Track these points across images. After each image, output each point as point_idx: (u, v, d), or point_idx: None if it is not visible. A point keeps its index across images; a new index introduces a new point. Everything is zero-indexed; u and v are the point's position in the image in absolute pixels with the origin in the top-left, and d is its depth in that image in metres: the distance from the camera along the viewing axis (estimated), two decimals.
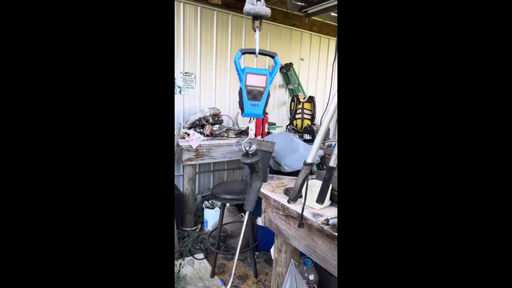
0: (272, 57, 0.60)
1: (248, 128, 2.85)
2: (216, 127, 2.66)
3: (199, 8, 2.75)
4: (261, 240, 2.20)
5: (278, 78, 3.49)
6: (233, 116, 3.13)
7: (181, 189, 2.65)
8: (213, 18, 2.87)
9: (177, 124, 2.69)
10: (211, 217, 2.54)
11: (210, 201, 2.65)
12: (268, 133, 2.94)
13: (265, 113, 0.61)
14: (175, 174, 2.76)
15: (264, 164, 1.94)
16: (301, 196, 1.03)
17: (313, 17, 3.49)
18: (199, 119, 2.67)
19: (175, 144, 2.42)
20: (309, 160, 0.80)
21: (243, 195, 1.89)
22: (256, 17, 0.57)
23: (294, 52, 3.52)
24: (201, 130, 2.64)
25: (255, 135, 2.77)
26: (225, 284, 1.94)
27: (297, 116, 3.20)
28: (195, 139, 2.42)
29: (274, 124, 3.23)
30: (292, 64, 3.38)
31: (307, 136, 2.82)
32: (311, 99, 3.18)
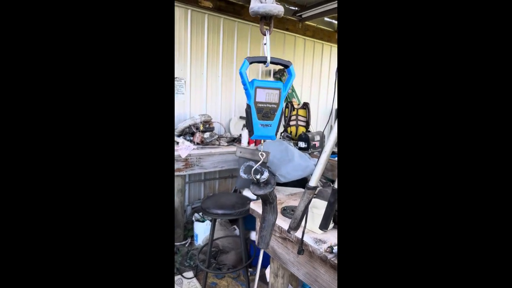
0: (287, 66, 0.49)
1: (240, 135, 2.73)
2: (207, 134, 2.53)
3: (189, 11, 2.64)
4: (255, 257, 2.07)
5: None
6: (225, 123, 3.01)
7: None
8: (204, 21, 2.76)
9: None
10: (202, 230, 2.39)
11: (200, 214, 2.50)
12: (264, 140, 2.83)
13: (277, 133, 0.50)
14: None
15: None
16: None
17: (306, 22, 3.42)
18: (189, 126, 2.54)
19: None
20: (312, 184, 0.69)
21: (236, 209, 1.77)
22: (266, 17, 0.45)
23: (288, 57, 3.43)
24: (191, 138, 2.50)
25: (248, 143, 2.65)
26: None
27: (291, 123, 3.10)
28: (184, 148, 2.29)
29: None
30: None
31: (302, 144, 2.72)
32: (305, 106, 3.09)
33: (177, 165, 2.25)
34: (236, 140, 2.76)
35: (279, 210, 1.19)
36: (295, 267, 1.07)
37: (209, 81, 2.90)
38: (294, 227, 0.74)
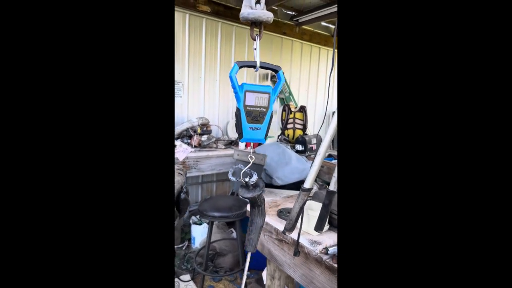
0: (275, 71, 0.50)
1: (238, 138, 2.74)
2: (204, 137, 2.55)
3: (187, 15, 2.67)
4: (252, 260, 2.07)
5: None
6: (223, 126, 3.03)
7: None
8: (202, 25, 2.78)
9: None
10: (199, 233, 2.39)
11: (197, 216, 2.50)
12: (259, 144, 2.84)
13: (267, 137, 0.51)
14: None
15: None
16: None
17: (303, 26, 3.46)
18: (187, 129, 2.55)
19: None
20: (307, 185, 0.70)
21: (233, 211, 1.77)
22: (256, 23, 0.47)
23: (285, 61, 3.47)
24: (189, 141, 2.51)
25: (246, 146, 2.66)
26: None
27: (288, 126, 3.12)
28: (182, 151, 2.29)
29: None
30: (283, 73, 3.33)
31: (299, 147, 2.74)
32: (302, 109, 3.11)
33: (174, 167, 2.26)
34: (233, 143, 2.77)
35: (275, 213, 1.21)
36: (291, 269, 1.08)
37: (207, 85, 2.92)
38: (289, 228, 0.76)
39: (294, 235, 0.95)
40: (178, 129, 2.53)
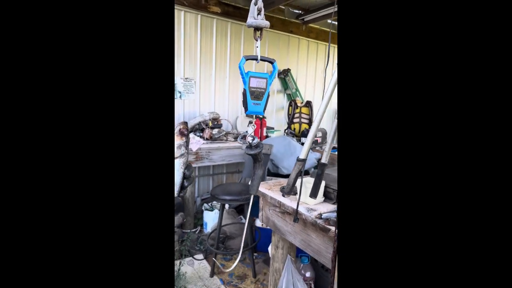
0: (271, 62, 0.67)
1: (246, 132, 2.91)
2: (215, 131, 2.73)
3: (199, 16, 2.85)
4: (259, 242, 2.24)
5: (277, 84, 3.57)
6: (232, 120, 3.20)
7: None
8: (213, 25, 2.96)
9: None
10: (211, 219, 2.58)
11: (209, 204, 2.70)
12: (267, 136, 3.01)
13: (264, 116, 0.68)
14: None
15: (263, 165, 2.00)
16: (295, 193, 1.09)
17: (310, 24, 3.59)
18: (199, 123, 2.74)
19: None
20: (302, 156, 0.86)
21: (242, 195, 1.94)
22: (257, 28, 0.65)
23: (292, 58, 3.61)
24: (201, 134, 2.70)
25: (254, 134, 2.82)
26: (224, 283, 1.98)
27: (295, 120, 3.27)
28: (195, 142, 2.48)
29: (273, 128, 3.30)
30: (290, 70, 3.47)
31: (304, 140, 2.89)
32: (308, 104, 3.25)
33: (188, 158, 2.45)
34: (242, 137, 2.94)
35: (278, 189, 1.37)
36: (292, 236, 1.24)
37: (217, 82, 3.10)
38: (287, 191, 0.92)
39: (294, 204, 1.11)
40: (191, 122, 2.72)
